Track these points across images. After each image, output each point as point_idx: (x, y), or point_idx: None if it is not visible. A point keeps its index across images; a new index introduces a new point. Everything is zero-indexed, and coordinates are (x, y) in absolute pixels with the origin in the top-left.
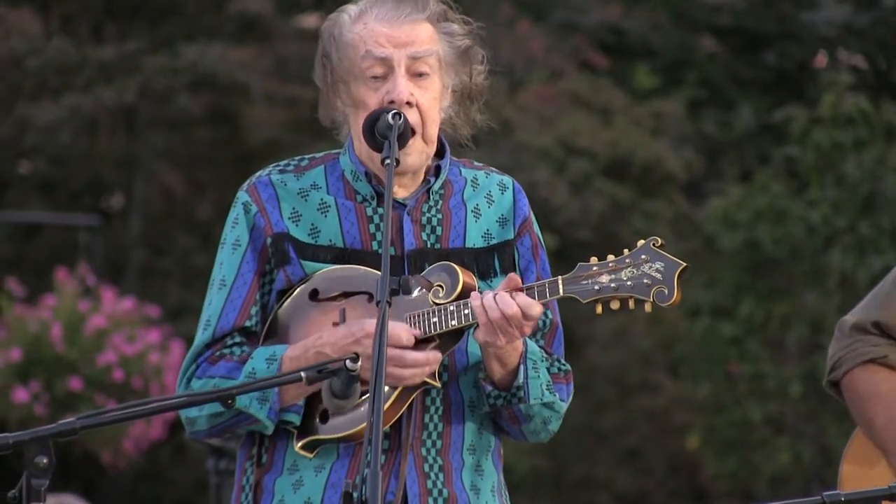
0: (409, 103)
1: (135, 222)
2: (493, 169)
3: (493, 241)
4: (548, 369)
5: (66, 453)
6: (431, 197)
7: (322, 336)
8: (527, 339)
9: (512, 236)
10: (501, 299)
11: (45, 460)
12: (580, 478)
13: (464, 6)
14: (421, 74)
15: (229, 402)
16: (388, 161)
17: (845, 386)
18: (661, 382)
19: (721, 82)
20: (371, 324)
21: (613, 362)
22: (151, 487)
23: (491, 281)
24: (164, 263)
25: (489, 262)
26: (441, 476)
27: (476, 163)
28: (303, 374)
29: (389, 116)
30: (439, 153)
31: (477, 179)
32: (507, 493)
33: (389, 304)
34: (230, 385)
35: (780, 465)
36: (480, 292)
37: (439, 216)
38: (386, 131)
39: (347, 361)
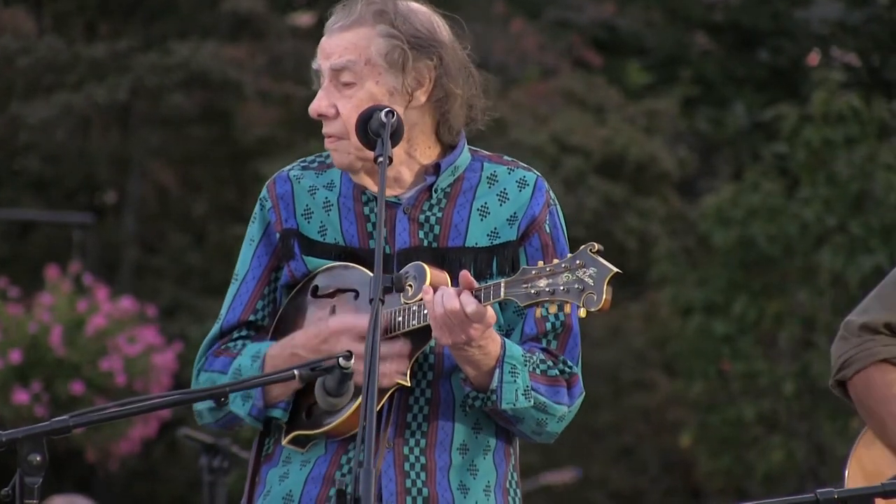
0: (323, 115)
1: (128, 220)
2: (522, 165)
3: (497, 241)
4: (544, 371)
5: (58, 451)
6: (434, 195)
7: (295, 337)
8: (507, 342)
9: (514, 237)
10: (446, 295)
11: (38, 458)
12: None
13: (457, 4)
14: (345, 84)
15: (222, 399)
16: (381, 159)
17: (855, 385)
18: (655, 380)
19: (715, 80)
20: (337, 321)
21: (607, 360)
22: (146, 485)
23: (485, 282)
24: (158, 261)
25: (488, 262)
26: (423, 475)
27: (506, 157)
28: (296, 371)
29: (382, 114)
30: (445, 151)
31: (496, 175)
32: (517, 491)
33: (383, 301)
34: (223, 380)
35: (774, 463)
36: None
37: (439, 214)
38: (379, 129)
39: (341, 359)
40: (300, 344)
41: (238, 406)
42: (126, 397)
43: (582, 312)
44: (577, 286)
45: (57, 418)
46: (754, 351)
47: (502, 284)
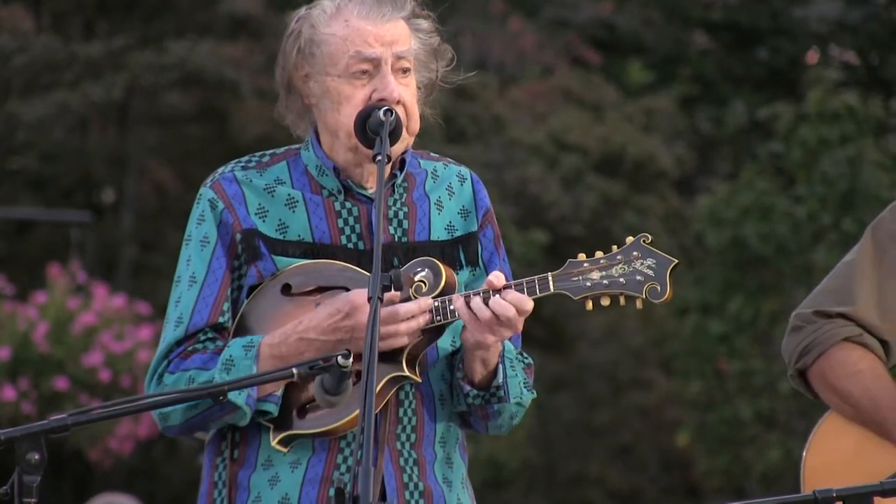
0: (397, 101)
1: (126, 219)
2: (450, 160)
3: (457, 234)
4: (521, 362)
5: (57, 450)
6: (396, 190)
7: (302, 321)
8: None
9: (476, 228)
10: (494, 301)
11: (37, 456)
12: (573, 474)
13: (455, 2)
14: (405, 71)
15: (220, 398)
16: (379, 157)
17: (819, 370)
18: (653, 379)
19: (713, 78)
20: (357, 293)
21: (606, 359)
22: (144, 484)
23: (456, 273)
24: (156, 260)
25: (454, 254)
26: (416, 470)
27: (432, 154)
28: (294, 370)
29: (381, 113)
30: None
31: (437, 171)
32: (470, 486)
33: (381, 299)
34: (206, 376)
35: (771, 462)
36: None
37: (405, 209)
38: (378, 128)
39: (339, 357)
40: (311, 326)
41: (234, 395)
42: (112, 394)
43: (639, 304)
44: (637, 278)
45: (55, 417)
46: (751, 350)
47: (550, 278)
